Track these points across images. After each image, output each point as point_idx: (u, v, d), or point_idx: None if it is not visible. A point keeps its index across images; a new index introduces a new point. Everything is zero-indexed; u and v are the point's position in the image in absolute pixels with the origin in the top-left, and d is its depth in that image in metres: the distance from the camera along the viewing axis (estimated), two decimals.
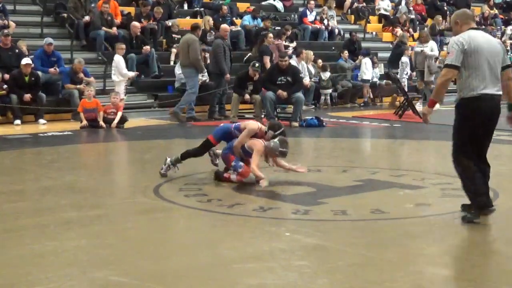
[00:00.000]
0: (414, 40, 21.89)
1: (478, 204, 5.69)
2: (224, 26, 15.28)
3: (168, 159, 7.78)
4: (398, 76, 16.86)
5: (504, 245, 5.30)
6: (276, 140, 7.29)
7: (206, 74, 15.38)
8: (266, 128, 7.47)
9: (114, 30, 15.92)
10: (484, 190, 5.69)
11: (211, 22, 17.44)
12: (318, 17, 20.32)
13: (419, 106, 16.37)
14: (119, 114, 12.83)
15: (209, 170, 8.00)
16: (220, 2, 19.55)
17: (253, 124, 7.48)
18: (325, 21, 19.98)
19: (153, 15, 16.91)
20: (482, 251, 5.13)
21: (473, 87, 5.63)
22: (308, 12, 20.12)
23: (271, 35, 16.03)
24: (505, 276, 4.49)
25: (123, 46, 14.44)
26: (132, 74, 14.44)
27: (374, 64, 17.99)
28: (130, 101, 14.45)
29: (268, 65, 15.15)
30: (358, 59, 17.91)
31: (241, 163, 7.31)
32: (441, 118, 15.17)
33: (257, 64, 13.28)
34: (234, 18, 18.86)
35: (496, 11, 25.23)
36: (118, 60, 14.07)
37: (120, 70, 14.00)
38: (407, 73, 17.25)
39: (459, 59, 5.61)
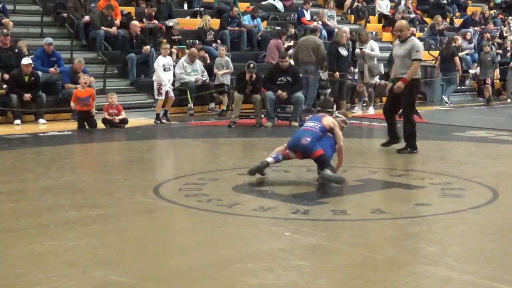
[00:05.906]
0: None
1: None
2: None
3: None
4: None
5: (504, 245, 5.30)
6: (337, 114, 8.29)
7: (205, 74, 15.37)
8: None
9: (114, 30, 15.93)
10: None
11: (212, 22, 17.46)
12: (315, 16, 20.35)
13: (371, 110, 15.58)
14: (123, 114, 12.78)
15: (209, 170, 7.98)
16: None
17: (332, 119, 7.90)
18: (319, 22, 19.90)
19: (151, 16, 16.92)
20: (482, 251, 5.13)
21: None
22: (304, 11, 20.15)
23: (458, 37, 16.52)
24: (506, 276, 4.49)
25: (167, 46, 13.97)
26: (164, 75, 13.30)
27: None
28: (130, 101, 14.42)
29: (459, 65, 17.18)
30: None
31: None
32: (441, 118, 15.28)
33: (251, 65, 13.19)
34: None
35: (496, 11, 25.22)
36: (157, 61, 13.42)
37: (157, 72, 13.29)
38: None
39: None
